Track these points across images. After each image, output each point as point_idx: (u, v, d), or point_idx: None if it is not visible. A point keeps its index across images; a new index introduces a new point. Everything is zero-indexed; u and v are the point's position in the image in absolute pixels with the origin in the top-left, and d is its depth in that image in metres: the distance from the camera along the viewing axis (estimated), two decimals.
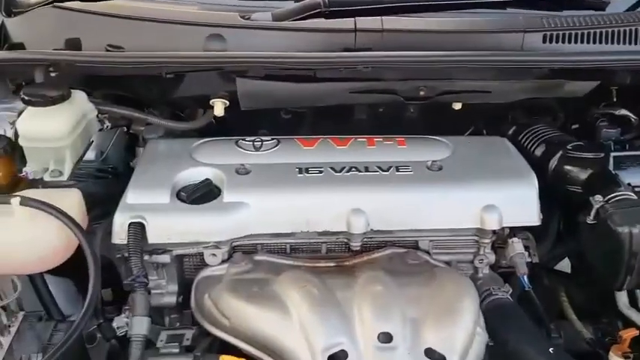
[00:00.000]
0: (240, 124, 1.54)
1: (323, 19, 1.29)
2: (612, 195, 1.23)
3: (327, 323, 1.06)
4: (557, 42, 1.33)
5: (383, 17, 1.33)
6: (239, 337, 1.13)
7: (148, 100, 1.56)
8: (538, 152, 1.47)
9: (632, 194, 1.24)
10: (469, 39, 1.35)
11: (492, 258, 1.36)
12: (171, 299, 1.31)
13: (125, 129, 1.60)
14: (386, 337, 1.03)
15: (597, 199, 1.23)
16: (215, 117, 1.52)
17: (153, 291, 1.30)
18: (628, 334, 1.20)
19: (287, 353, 1.06)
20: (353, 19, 1.32)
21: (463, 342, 1.06)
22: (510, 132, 1.59)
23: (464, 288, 1.18)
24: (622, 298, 1.35)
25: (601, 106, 1.47)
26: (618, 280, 1.19)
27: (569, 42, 1.33)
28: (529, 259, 1.36)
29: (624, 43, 1.36)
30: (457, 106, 1.58)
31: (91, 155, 1.51)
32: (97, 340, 1.35)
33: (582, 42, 1.33)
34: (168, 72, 1.34)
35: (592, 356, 1.32)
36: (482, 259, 1.36)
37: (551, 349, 1.14)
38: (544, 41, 1.33)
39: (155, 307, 1.29)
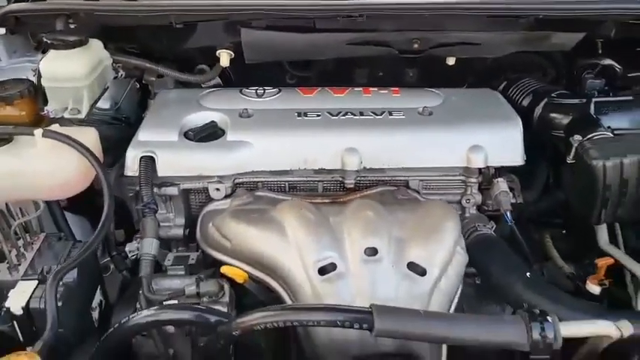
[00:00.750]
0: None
1: None
2: (591, 135, 1.31)
3: (319, 241, 1.16)
4: None
5: None
6: (239, 258, 1.23)
7: (159, 53, 1.66)
8: (525, 102, 1.55)
9: (611, 134, 1.31)
10: None
11: (479, 198, 1.45)
12: (179, 231, 1.42)
13: (137, 82, 1.73)
14: (372, 251, 1.13)
15: (576, 139, 1.31)
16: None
17: (162, 224, 1.40)
18: (603, 262, 1.28)
19: (283, 269, 1.16)
20: None
21: (443, 258, 1.15)
22: (501, 87, 1.67)
23: (447, 213, 1.26)
24: (602, 235, 1.42)
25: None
26: (594, 214, 1.27)
27: None
28: (514, 200, 1.45)
29: None
30: (451, 61, 1.66)
31: (106, 105, 1.63)
32: (110, 271, 1.47)
33: None
34: (177, 22, 1.44)
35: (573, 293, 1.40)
36: (469, 199, 1.44)
37: (528, 274, 1.23)
38: None
39: (164, 238, 1.41)
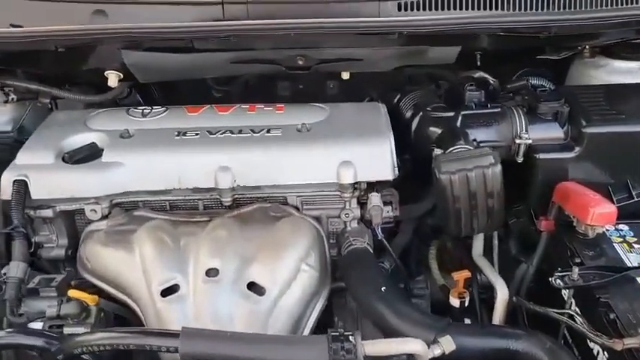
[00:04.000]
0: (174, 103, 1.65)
1: None
2: (451, 148, 1.32)
3: (165, 262, 1.19)
4: (412, 9, 1.42)
5: None
6: (97, 277, 1.27)
7: (56, 75, 1.70)
8: (408, 115, 1.57)
9: (471, 147, 1.33)
10: (328, 9, 1.44)
11: (358, 212, 1.46)
12: (60, 252, 1.44)
13: (50, 103, 1.76)
14: (213, 273, 1.16)
15: (436, 152, 1.33)
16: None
17: (45, 245, 1.44)
18: (460, 275, 1.30)
19: (130, 288, 1.19)
20: None
21: (284, 276, 1.17)
22: (395, 99, 1.69)
23: (297, 229, 1.28)
24: (476, 247, 1.45)
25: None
26: (450, 226, 1.29)
27: (424, 9, 1.42)
28: (391, 213, 1.47)
29: (481, 9, 1.43)
30: (345, 75, 1.69)
31: (7, 127, 1.67)
32: (1, 289, 1.50)
33: (437, 9, 1.42)
34: (59, 45, 1.47)
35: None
36: (347, 214, 1.46)
37: (383, 288, 1.24)
38: (399, 9, 1.41)
39: (47, 259, 1.44)
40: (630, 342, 0.97)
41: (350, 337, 0.91)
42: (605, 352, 1.06)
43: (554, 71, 1.76)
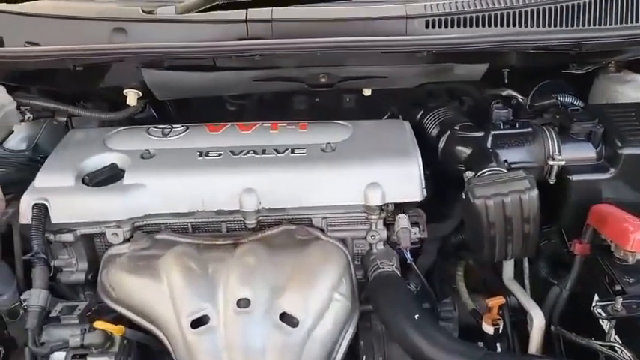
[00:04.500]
0: (188, 118, 1.64)
1: (218, 11, 1.38)
2: (483, 171, 1.29)
3: (194, 291, 1.16)
4: (439, 27, 1.39)
5: (273, 8, 1.40)
6: (122, 305, 1.24)
7: (72, 93, 1.67)
8: (434, 133, 1.54)
9: (504, 170, 1.30)
10: (353, 27, 1.41)
11: (384, 234, 1.43)
12: (80, 276, 1.41)
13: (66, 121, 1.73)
14: (244, 303, 1.12)
15: (468, 175, 1.30)
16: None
17: (64, 269, 1.41)
18: (494, 302, 1.26)
19: (157, 317, 1.16)
20: (245, 10, 1.40)
21: (317, 307, 1.14)
22: (418, 116, 1.66)
23: (329, 256, 1.25)
24: (507, 271, 1.41)
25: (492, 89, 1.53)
26: (483, 252, 1.26)
27: (452, 26, 1.39)
28: (419, 235, 1.43)
29: (510, 25, 1.41)
30: (367, 92, 1.66)
31: (22, 146, 1.64)
32: (19, 315, 1.47)
33: (465, 26, 1.39)
34: (77, 64, 1.44)
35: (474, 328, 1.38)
36: (374, 235, 1.42)
37: (416, 316, 1.21)
38: (427, 26, 1.39)
39: (67, 284, 1.41)
40: None
41: None
42: None
43: (574, 85, 1.73)
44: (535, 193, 1.19)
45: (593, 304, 1.12)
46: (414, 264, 1.37)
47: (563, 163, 1.36)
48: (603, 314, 1.11)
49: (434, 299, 1.43)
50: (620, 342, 1.09)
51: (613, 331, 1.13)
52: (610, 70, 1.69)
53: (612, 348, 1.10)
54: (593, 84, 1.72)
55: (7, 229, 1.41)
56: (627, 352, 1.07)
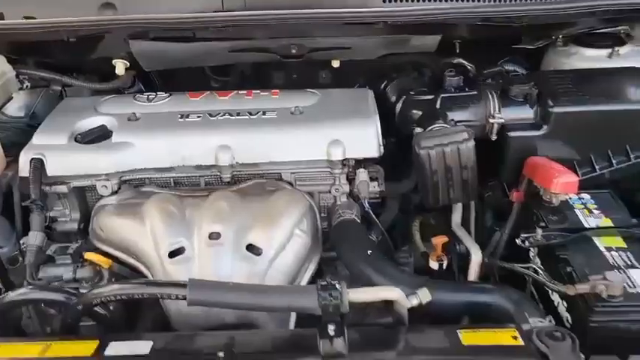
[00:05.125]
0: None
1: None
2: (430, 127, 1.46)
3: (172, 228, 1.33)
4: (396, 0, 1.55)
5: None
6: (110, 245, 1.41)
7: (66, 64, 1.82)
8: (393, 99, 1.70)
9: (448, 126, 1.46)
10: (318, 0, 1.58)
11: (347, 188, 1.60)
12: (73, 225, 1.57)
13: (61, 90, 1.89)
14: (216, 235, 1.29)
15: (417, 131, 1.46)
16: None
17: (59, 219, 1.58)
18: (438, 240, 1.43)
19: (141, 253, 1.33)
20: None
21: (280, 240, 1.31)
22: (382, 85, 1.83)
23: (292, 199, 1.42)
24: (455, 217, 1.57)
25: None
26: (429, 198, 1.42)
27: (408, 0, 1.55)
28: (378, 189, 1.60)
29: (460, 0, 1.57)
30: (335, 63, 1.83)
31: (20, 113, 1.80)
32: (18, 262, 1.63)
33: (419, 0, 1.55)
34: (70, 36, 1.60)
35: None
36: (337, 189, 1.59)
37: (369, 252, 1.37)
38: (384, 0, 1.55)
39: (61, 232, 1.57)
40: (581, 287, 1.11)
41: (337, 285, 1.04)
42: (564, 302, 1.20)
43: (531, 61, 1.90)
44: (472, 143, 1.36)
45: (520, 237, 1.29)
46: (371, 213, 1.54)
47: (502, 121, 1.52)
48: (527, 244, 1.27)
49: (392, 248, 1.60)
50: (541, 266, 1.26)
51: (538, 259, 1.30)
52: (558, 44, 1.85)
53: (535, 272, 1.27)
54: (543, 58, 1.89)
55: (7, 189, 1.58)
56: (545, 273, 1.23)
